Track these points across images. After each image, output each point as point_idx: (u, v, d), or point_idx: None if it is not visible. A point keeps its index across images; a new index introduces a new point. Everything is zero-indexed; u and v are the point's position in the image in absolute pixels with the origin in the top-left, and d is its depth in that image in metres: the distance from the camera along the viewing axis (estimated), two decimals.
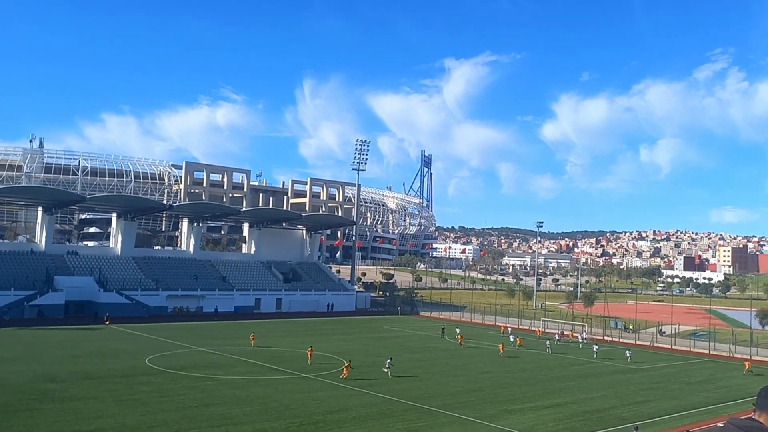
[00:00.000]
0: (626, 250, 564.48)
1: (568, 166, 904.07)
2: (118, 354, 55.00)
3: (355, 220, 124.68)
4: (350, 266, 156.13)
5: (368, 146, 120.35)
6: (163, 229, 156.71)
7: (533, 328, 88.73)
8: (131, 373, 46.64)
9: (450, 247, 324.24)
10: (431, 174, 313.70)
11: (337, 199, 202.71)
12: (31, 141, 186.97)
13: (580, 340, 75.91)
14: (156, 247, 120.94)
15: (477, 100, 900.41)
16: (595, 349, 66.38)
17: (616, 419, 39.30)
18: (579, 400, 44.22)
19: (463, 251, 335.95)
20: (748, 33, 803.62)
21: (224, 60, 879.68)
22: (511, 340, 71.39)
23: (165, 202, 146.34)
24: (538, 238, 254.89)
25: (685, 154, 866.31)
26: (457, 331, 74.84)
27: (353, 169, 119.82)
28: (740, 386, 53.42)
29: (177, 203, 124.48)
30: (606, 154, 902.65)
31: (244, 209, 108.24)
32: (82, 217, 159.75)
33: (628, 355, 64.00)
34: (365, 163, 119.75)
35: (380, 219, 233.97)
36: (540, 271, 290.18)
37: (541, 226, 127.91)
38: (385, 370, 49.48)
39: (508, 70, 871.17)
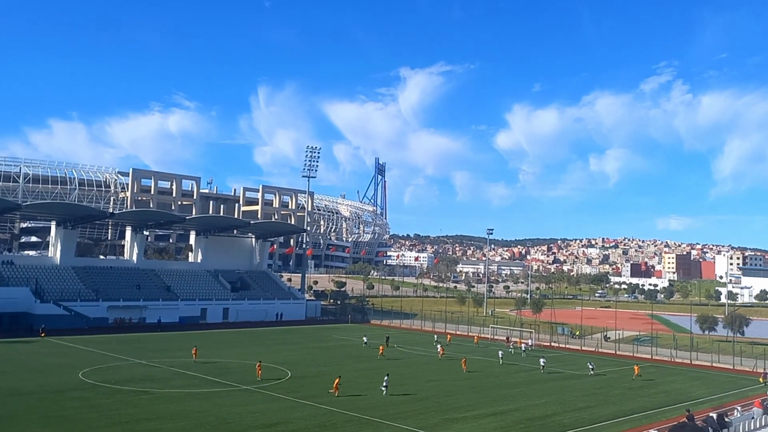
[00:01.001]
0: (576, 257, 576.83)
1: (520, 175, 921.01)
2: (49, 368, 52.60)
3: (306, 227, 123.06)
4: (308, 274, 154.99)
5: (319, 153, 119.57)
6: (109, 238, 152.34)
7: (481, 335, 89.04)
8: (61, 388, 44.56)
9: (403, 255, 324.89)
10: (385, 182, 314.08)
11: (290, 207, 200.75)
12: None
13: (523, 349, 74.57)
14: (101, 257, 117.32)
15: (432, 109, 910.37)
16: (542, 363, 61.81)
17: (557, 426, 39.31)
18: (522, 408, 44.18)
19: (416, 259, 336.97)
20: (690, 47, 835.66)
21: (177, 67, 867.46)
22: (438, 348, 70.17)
23: (111, 210, 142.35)
24: (490, 246, 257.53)
25: (632, 163, 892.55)
26: (438, 345, 72.52)
27: (303, 176, 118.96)
28: (679, 391, 54.40)
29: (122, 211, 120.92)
30: (557, 163, 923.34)
31: (189, 217, 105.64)
32: (23, 225, 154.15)
33: (590, 367, 60.85)
34: (316, 170, 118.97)
35: (334, 227, 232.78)
36: (493, 278, 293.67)
37: (491, 234, 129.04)
38: (382, 388, 46.63)
39: (462, 80, 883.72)
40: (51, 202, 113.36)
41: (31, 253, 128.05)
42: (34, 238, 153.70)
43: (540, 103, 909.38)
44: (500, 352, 67.67)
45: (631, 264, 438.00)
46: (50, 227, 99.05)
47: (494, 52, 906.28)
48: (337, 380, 46.70)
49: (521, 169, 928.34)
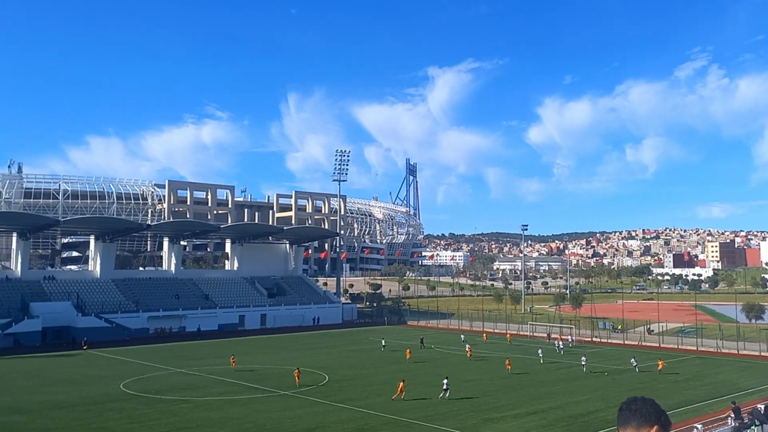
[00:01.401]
0: (616, 250, 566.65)
1: (555, 169, 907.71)
2: (91, 380, 53.48)
3: (338, 231, 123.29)
4: (343, 277, 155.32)
5: (348, 156, 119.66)
6: (148, 250, 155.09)
7: (519, 333, 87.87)
8: (103, 399, 45.20)
9: (438, 255, 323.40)
10: (417, 182, 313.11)
11: (323, 211, 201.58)
12: (9, 166, 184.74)
13: (561, 346, 71.88)
14: (140, 268, 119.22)
15: (462, 107, 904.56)
16: (583, 362, 58.80)
17: (600, 422, 38.37)
18: (563, 405, 43.29)
19: (452, 258, 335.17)
20: (725, 30, 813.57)
21: (208, 78, 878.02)
22: (540, 354, 64.78)
23: (149, 222, 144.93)
24: (528, 242, 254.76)
25: (670, 151, 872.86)
26: (466, 344, 70.82)
27: (334, 180, 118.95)
28: (726, 382, 52.74)
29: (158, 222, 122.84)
30: (592, 155, 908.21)
31: (224, 225, 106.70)
32: (64, 241, 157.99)
33: (634, 364, 58.21)
34: (346, 174, 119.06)
35: (367, 229, 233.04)
36: (530, 274, 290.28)
37: (526, 229, 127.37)
38: (444, 389, 44.74)
39: (491, 76, 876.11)
40: (89, 216, 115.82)
41: (73, 267, 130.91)
42: (75, 253, 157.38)
43: (572, 96, 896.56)
44: (540, 350, 66.11)
45: (674, 254, 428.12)
46: (89, 241, 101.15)
47: (523, 46, 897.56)
48: (401, 384, 45.18)
49: (555, 163, 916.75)
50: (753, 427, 28.09)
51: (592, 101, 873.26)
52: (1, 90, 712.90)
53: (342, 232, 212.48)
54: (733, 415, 29.17)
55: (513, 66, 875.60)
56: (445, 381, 45.47)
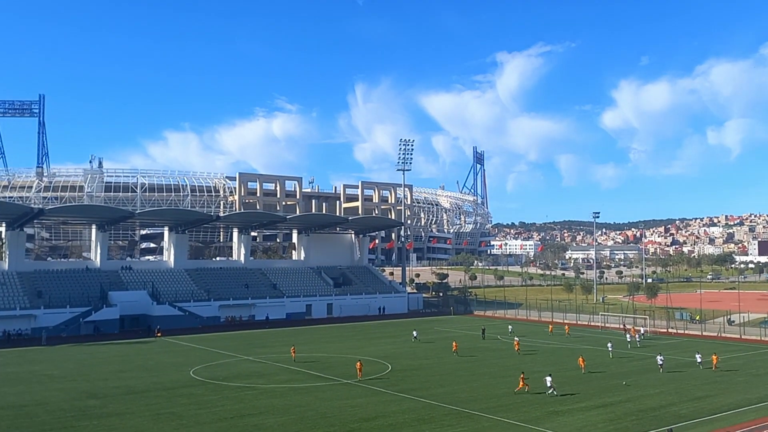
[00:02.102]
0: (697, 238, 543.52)
1: (631, 154, 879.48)
2: (164, 367, 55.34)
3: (403, 220, 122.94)
4: (410, 267, 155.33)
5: (413, 145, 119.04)
6: (220, 240, 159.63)
7: (593, 324, 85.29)
8: (173, 386, 46.64)
9: (506, 244, 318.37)
10: (484, 170, 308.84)
11: (389, 201, 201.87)
12: (90, 162, 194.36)
13: (637, 339, 68.70)
14: (216, 259, 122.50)
15: (532, 93, 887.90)
16: (659, 362, 52.79)
17: (673, 417, 36.58)
18: (634, 398, 41.57)
19: (521, 247, 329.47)
20: None
21: (278, 72, 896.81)
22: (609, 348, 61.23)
23: (222, 213, 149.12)
24: (602, 230, 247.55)
25: (755, 133, 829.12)
26: (514, 337, 68.21)
27: (399, 170, 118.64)
28: None
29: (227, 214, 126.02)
30: (671, 139, 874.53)
31: (290, 216, 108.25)
32: (143, 232, 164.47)
33: (698, 360, 54.48)
34: (410, 163, 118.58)
35: (434, 219, 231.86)
36: (605, 263, 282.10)
37: (598, 217, 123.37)
38: (550, 389, 42.61)
39: (562, 60, 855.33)
40: (162, 208, 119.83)
41: (150, 258, 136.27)
42: (152, 244, 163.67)
43: (649, 77, 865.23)
44: (609, 344, 62.09)
45: (759, 241, 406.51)
46: (164, 233, 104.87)
47: (596, 27, 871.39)
48: (522, 376, 44.17)
49: (631, 148, 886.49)
50: None
51: (671, 82, 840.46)
52: (84, 88, 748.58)
53: (409, 221, 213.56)
54: None
55: (585, 48, 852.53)
56: (548, 379, 43.27)
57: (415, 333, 73.62)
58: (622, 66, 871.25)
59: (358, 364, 51.07)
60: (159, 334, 75.79)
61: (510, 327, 79.51)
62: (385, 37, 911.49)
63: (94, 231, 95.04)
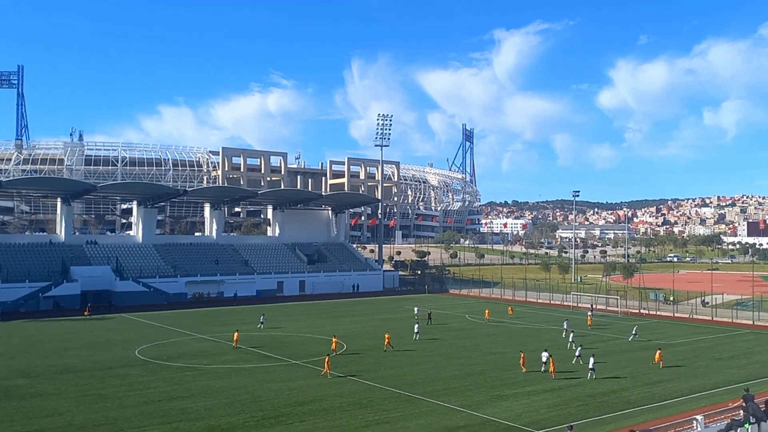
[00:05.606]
0: (688, 218, 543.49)
1: (627, 134, 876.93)
2: (111, 345, 53.50)
3: (380, 197, 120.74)
4: (389, 245, 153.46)
5: (391, 121, 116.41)
6: (198, 217, 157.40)
7: (566, 303, 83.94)
8: (112, 365, 44.85)
9: (491, 223, 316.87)
10: (473, 148, 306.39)
11: (376, 178, 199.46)
12: (71, 134, 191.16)
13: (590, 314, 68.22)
14: (197, 234, 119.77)
15: (529, 71, 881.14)
16: (634, 331, 57.01)
17: (620, 403, 35.13)
18: (585, 382, 40.08)
19: (504, 225, 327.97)
20: None
21: (273, 46, 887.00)
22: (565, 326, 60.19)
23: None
24: (594, 210, 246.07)
25: (752, 115, 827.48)
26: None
27: (376, 146, 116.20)
28: None
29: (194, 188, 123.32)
30: (667, 120, 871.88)
31: (261, 191, 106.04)
32: (124, 207, 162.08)
33: (634, 332, 56.84)
34: (388, 138, 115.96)
35: (422, 196, 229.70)
36: (593, 242, 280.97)
37: (578, 195, 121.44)
38: (590, 369, 41.33)
39: (560, 38, 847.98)
40: (127, 182, 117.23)
41: (131, 233, 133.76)
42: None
43: (647, 57, 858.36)
44: (565, 322, 61.44)
45: (748, 222, 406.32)
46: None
47: (595, 5, 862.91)
48: (522, 356, 43.88)
49: (627, 128, 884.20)
50: (746, 425, 24.22)
51: (669, 62, 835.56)
52: (76, 60, 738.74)
53: (395, 199, 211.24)
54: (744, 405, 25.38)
55: (584, 27, 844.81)
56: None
57: (416, 309, 73.41)
58: (621, 45, 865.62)
59: (334, 339, 50.54)
60: (87, 313, 71.93)
61: (416, 309, 73.99)
62: (382, 12, 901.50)
63: (59, 204, 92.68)
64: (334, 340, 50.23)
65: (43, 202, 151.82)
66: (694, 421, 26.46)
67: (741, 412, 25.43)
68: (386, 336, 52.27)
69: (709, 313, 74.22)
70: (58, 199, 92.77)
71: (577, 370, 43.39)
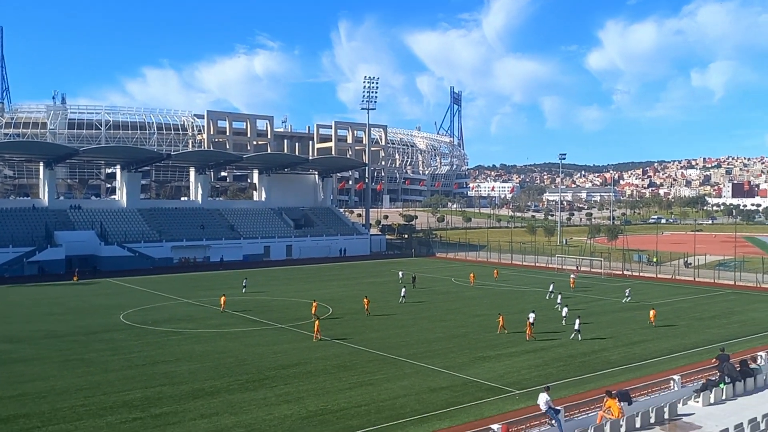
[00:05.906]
0: (674, 180, 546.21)
1: (615, 96, 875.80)
2: (96, 310, 53.41)
3: (367, 161, 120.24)
4: (376, 209, 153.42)
5: (377, 83, 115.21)
6: (183, 182, 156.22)
7: (551, 265, 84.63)
8: (97, 330, 44.80)
9: (479, 187, 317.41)
10: (461, 111, 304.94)
11: (363, 142, 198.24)
12: (54, 98, 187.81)
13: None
14: (182, 198, 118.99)
15: (518, 32, 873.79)
16: (627, 294, 57.92)
17: (601, 363, 35.64)
18: (567, 343, 40.56)
19: (492, 188, 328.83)
20: None
21: (259, 6, 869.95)
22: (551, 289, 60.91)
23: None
24: (581, 172, 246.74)
25: (740, 76, 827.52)
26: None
27: (363, 109, 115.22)
28: (757, 320, 48.91)
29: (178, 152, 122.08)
30: (656, 81, 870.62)
31: (246, 155, 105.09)
32: (108, 171, 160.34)
33: (627, 294, 57.73)
34: (375, 102, 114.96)
35: (410, 160, 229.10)
36: (580, 205, 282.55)
37: (564, 158, 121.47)
38: (576, 328, 41.82)
39: None
40: (109, 146, 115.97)
41: (114, 198, 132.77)
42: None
43: (636, 17, 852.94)
44: (551, 285, 62.25)
45: (733, 184, 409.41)
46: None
47: None
48: (501, 318, 44.09)
49: (616, 90, 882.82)
50: (722, 385, 24.62)
51: (658, 23, 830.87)
52: (58, 19, 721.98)
53: (383, 163, 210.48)
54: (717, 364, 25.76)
55: None
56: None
57: (401, 273, 72.95)
58: (610, 5, 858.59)
59: (314, 302, 49.64)
60: (75, 278, 71.96)
61: (401, 273, 73.78)
62: None
63: (41, 168, 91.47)
64: (314, 303, 49.47)
65: (26, 166, 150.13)
66: (671, 381, 26.85)
67: (716, 372, 25.81)
68: (365, 300, 51.58)
69: (692, 274, 75.12)
70: (41, 164, 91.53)
71: (564, 331, 43.91)
